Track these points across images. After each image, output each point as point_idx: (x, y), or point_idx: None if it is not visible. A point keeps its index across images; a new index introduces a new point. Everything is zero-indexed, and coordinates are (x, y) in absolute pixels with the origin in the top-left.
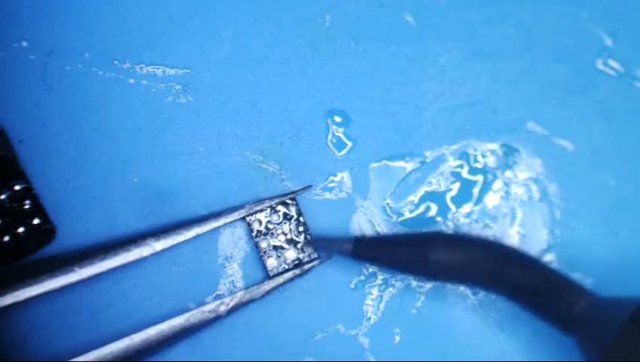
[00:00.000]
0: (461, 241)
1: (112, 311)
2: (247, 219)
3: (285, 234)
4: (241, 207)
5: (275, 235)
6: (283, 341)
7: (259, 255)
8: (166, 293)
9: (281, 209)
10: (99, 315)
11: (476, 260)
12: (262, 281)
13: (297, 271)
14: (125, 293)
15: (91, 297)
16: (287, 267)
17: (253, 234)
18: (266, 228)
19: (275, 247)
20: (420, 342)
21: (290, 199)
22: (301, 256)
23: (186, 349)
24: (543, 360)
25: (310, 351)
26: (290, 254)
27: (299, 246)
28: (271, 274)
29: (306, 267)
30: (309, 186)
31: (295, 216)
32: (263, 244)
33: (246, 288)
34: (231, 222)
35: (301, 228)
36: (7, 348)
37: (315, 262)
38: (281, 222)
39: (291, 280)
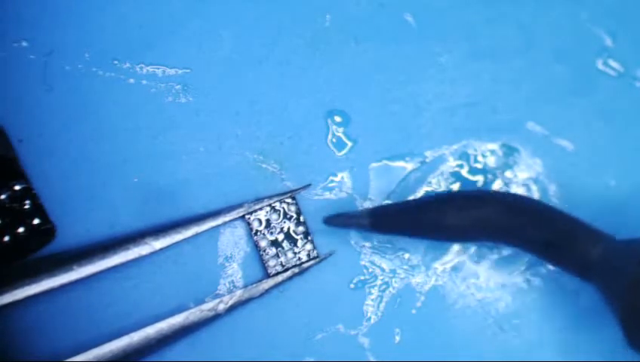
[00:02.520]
0: (472, 201)
1: (112, 310)
2: (247, 218)
3: (285, 233)
4: (239, 205)
5: (275, 234)
6: (283, 341)
7: (258, 254)
8: (166, 293)
9: (281, 208)
10: (99, 315)
11: (488, 218)
12: (261, 280)
13: (296, 270)
14: (125, 293)
15: (91, 297)
16: (286, 266)
17: (253, 233)
18: (266, 227)
19: (275, 246)
20: (420, 342)
21: (290, 198)
22: (301, 254)
23: (186, 348)
24: (542, 360)
25: (310, 351)
26: (290, 253)
27: (298, 244)
28: (270, 273)
29: (306, 266)
30: (309, 185)
31: (295, 215)
32: (263, 243)
33: (245, 286)
34: (230, 221)
35: (301, 228)
36: (6, 347)
37: (315, 261)
38: (280, 221)
39: (290, 279)
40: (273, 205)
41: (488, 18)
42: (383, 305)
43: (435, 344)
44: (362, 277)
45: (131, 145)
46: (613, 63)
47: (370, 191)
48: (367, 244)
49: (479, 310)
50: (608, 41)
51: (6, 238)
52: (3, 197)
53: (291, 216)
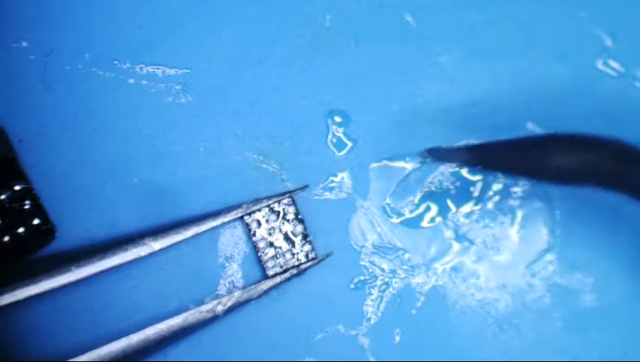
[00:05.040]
0: (580, 144)
1: (113, 311)
2: (246, 219)
3: (283, 234)
4: (238, 206)
5: (274, 235)
6: (283, 341)
7: (257, 255)
8: (166, 294)
9: (280, 209)
10: (99, 315)
11: (595, 163)
12: (259, 281)
13: (294, 271)
14: (126, 294)
15: (92, 298)
16: (285, 267)
17: (252, 233)
18: (264, 228)
19: (273, 247)
20: (420, 342)
21: (289, 198)
22: (299, 256)
23: (187, 349)
24: (542, 360)
25: (310, 351)
26: (288, 254)
27: (297, 246)
28: (269, 274)
29: (304, 267)
30: (306, 186)
31: (293, 217)
32: (261, 244)
33: (244, 287)
34: (229, 222)
35: (299, 228)
36: (7, 347)
37: (313, 262)
38: (279, 223)
39: (289, 279)
40: (272, 206)
41: (488, 18)
42: (383, 305)
43: (436, 344)
44: (362, 278)
45: (131, 145)
46: (613, 63)
47: (371, 191)
48: (368, 244)
49: (479, 310)
50: (608, 41)
51: (6, 238)
52: (3, 197)
53: (290, 218)
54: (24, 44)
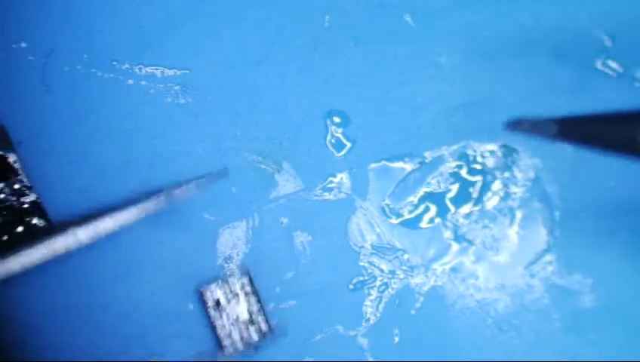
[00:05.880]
0: None
1: (112, 310)
2: (204, 296)
3: (240, 312)
4: (159, 191)
5: (231, 312)
6: (282, 341)
7: (214, 331)
8: (166, 293)
9: (238, 288)
10: (98, 315)
11: None
12: (216, 353)
13: (250, 348)
14: (125, 293)
15: (91, 297)
16: (240, 343)
17: (208, 310)
18: (223, 305)
19: (230, 324)
20: (420, 343)
21: (247, 277)
22: (254, 333)
23: None
24: (542, 360)
25: (310, 351)
26: (245, 332)
27: (253, 323)
28: (226, 352)
29: (259, 343)
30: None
31: (250, 294)
32: (219, 322)
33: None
34: (155, 209)
35: (255, 307)
36: (7, 347)
37: (267, 339)
38: (235, 301)
39: (242, 353)
40: (231, 285)
41: (488, 18)
42: (382, 305)
43: (435, 344)
44: (361, 278)
45: (131, 146)
46: (612, 64)
47: (370, 192)
48: (367, 245)
49: (478, 310)
50: (607, 42)
51: (5, 238)
52: (3, 196)
53: (248, 298)
54: (23, 44)
